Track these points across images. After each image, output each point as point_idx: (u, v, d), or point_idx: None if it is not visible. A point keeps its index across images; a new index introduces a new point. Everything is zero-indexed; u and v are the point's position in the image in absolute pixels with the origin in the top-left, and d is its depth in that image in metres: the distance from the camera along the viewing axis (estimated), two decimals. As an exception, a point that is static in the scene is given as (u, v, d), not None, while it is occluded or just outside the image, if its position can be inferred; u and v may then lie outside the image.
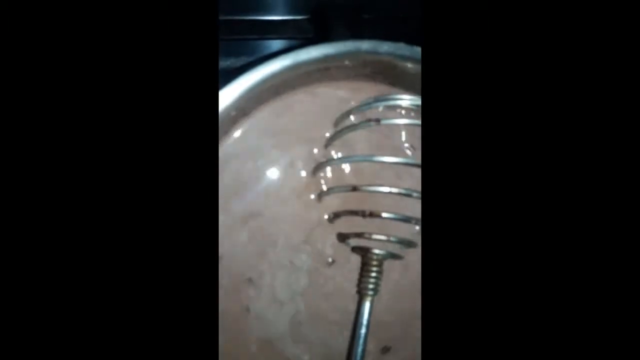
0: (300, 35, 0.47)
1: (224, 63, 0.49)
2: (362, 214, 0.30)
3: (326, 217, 0.33)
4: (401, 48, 0.30)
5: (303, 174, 0.34)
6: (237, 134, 0.34)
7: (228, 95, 0.30)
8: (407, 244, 0.31)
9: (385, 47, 0.30)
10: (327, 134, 0.33)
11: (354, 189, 0.31)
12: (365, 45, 0.30)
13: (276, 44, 0.49)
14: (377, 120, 0.30)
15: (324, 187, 0.33)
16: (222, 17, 0.47)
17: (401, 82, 0.33)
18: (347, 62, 0.31)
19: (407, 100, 0.31)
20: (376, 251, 0.31)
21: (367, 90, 0.33)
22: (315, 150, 0.34)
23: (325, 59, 0.30)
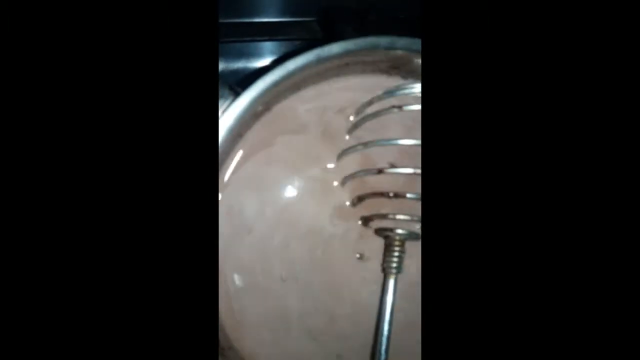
0: (308, 37, 0.49)
1: (235, 65, 0.51)
2: (387, 195, 0.32)
3: (348, 203, 0.35)
4: (417, 43, 0.32)
5: (328, 165, 0.36)
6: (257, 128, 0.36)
7: (255, 90, 0.32)
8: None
9: (401, 42, 0.32)
10: (348, 124, 0.36)
11: (380, 171, 0.33)
12: (383, 40, 0.32)
13: (284, 46, 0.51)
14: (400, 107, 0.32)
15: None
16: (229, 20, 0.49)
17: (414, 76, 0.35)
18: (366, 58, 0.33)
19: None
20: (399, 231, 0.33)
21: (383, 84, 0.36)
22: (336, 142, 0.36)
23: (347, 54, 0.32)
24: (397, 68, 0.35)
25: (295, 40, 0.50)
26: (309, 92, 0.36)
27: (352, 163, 0.35)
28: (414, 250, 0.34)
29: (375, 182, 0.35)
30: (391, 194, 0.32)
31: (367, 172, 0.34)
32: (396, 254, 0.33)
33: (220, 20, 0.48)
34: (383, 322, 0.32)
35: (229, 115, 0.31)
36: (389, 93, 0.33)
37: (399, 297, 0.33)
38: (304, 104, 0.36)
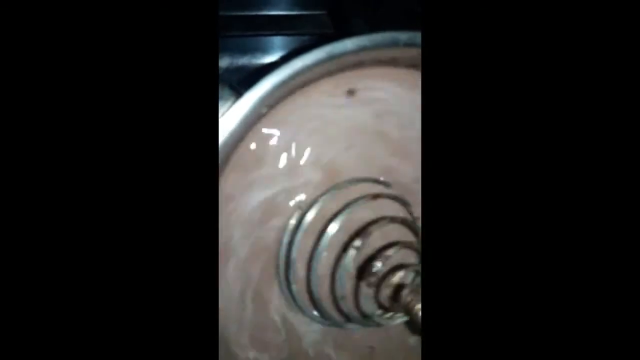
0: (319, 31, 0.46)
1: (240, 61, 0.48)
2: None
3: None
4: (440, 39, 0.29)
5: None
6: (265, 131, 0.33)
7: (259, 92, 0.29)
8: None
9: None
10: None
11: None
12: (403, 36, 0.29)
13: (293, 41, 0.48)
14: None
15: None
16: (233, 13, 0.46)
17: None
18: (383, 56, 0.30)
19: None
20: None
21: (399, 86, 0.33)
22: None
23: (362, 51, 0.29)
24: (416, 66, 0.32)
25: (305, 35, 0.47)
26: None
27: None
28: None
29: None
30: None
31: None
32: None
33: (224, 13, 0.45)
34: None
35: (230, 118, 0.28)
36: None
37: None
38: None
